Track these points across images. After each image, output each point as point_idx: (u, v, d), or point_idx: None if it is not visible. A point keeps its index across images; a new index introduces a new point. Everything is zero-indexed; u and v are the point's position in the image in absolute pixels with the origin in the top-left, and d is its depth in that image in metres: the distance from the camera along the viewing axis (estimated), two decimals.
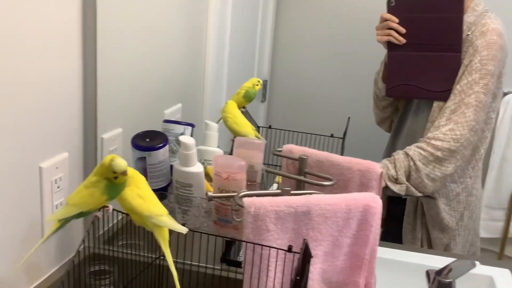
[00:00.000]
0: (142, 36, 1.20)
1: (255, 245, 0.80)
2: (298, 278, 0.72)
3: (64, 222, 0.79)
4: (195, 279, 1.00)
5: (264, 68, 2.38)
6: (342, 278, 0.85)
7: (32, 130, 0.85)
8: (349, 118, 1.49)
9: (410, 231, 1.50)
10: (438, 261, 1.17)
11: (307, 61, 2.43)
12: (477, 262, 1.04)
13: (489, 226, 2.30)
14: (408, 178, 1.33)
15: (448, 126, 1.34)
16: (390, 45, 1.42)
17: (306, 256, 0.75)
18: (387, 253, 1.20)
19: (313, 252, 0.83)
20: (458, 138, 1.33)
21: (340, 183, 1.01)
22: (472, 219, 1.51)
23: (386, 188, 1.32)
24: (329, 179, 0.98)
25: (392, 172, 1.32)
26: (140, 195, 0.79)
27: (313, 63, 2.43)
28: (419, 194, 1.35)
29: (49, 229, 0.81)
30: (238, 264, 1.06)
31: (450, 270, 1.05)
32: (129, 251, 0.96)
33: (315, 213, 0.81)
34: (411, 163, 1.33)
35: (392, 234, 1.47)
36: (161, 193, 0.97)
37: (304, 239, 0.76)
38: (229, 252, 1.11)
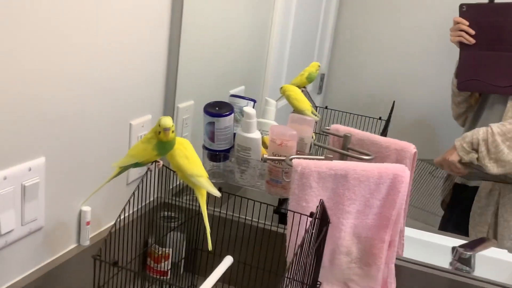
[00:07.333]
0: (218, 23, 1.38)
1: (299, 198, 0.97)
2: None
3: (123, 169, 0.90)
4: (249, 231, 1.18)
5: (323, 62, 2.51)
6: (370, 234, 1.01)
7: (125, 92, 1.05)
8: (394, 102, 1.64)
9: (479, 215, 1.53)
10: None
11: (366, 58, 2.55)
12: None
13: None
14: (487, 150, 1.40)
15: None
16: (461, 45, 1.57)
17: (323, 220, 0.87)
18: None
19: (347, 209, 0.99)
20: None
21: (378, 159, 1.16)
22: None
23: (462, 164, 1.40)
24: (368, 155, 1.13)
25: (468, 139, 1.41)
26: (187, 156, 0.89)
27: (372, 61, 2.54)
28: (488, 170, 1.40)
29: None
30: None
31: (472, 245, 1.18)
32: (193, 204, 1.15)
33: (351, 176, 0.97)
34: (489, 135, 1.40)
35: (452, 222, 1.56)
36: (224, 154, 1.15)
37: (321, 199, 0.87)
38: (282, 206, 1.29)
